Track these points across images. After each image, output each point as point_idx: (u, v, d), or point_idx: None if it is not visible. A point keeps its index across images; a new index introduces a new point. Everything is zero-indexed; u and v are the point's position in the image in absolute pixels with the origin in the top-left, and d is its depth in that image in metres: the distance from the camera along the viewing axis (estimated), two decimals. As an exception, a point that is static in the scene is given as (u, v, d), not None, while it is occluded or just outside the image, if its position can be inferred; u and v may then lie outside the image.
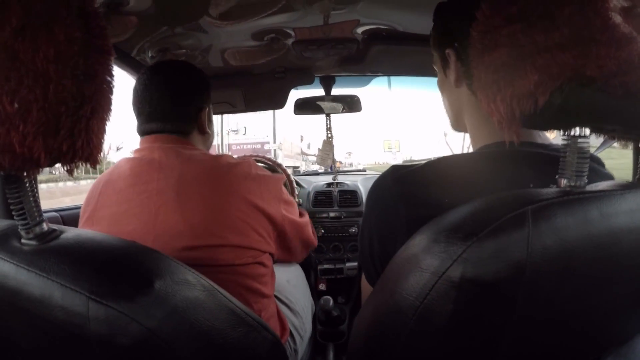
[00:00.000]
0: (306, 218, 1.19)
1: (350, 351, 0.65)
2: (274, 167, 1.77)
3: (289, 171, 1.76)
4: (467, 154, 0.70)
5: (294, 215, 1.06)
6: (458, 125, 0.79)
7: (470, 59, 0.55)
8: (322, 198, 2.15)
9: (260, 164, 1.82)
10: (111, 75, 0.53)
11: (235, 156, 1.03)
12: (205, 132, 1.05)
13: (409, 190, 0.62)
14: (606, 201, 0.47)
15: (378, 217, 0.67)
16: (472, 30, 0.53)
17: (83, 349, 0.51)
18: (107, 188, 0.93)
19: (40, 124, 0.45)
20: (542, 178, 0.53)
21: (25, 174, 0.50)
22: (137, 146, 0.99)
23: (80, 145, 0.48)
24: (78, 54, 0.48)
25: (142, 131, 0.99)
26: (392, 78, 2.13)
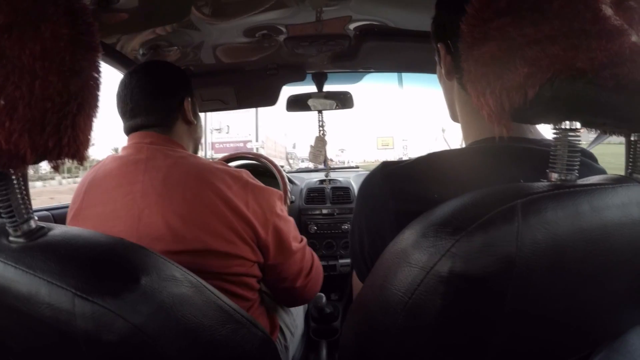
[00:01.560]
0: (302, 245, 1.07)
1: (341, 347, 0.65)
2: (267, 164, 1.78)
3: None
4: (458, 150, 0.70)
5: (287, 236, 0.99)
6: (455, 116, 0.79)
7: (460, 53, 0.55)
8: (315, 195, 2.15)
9: (251, 161, 1.82)
10: (98, 72, 0.53)
11: (221, 155, 1.00)
12: (189, 121, 1.05)
13: (398, 186, 0.62)
14: (597, 195, 0.46)
15: (368, 213, 0.67)
16: (461, 24, 0.53)
17: (70, 345, 0.51)
18: (92, 186, 0.92)
19: (26, 120, 0.45)
20: (532, 173, 0.52)
21: (12, 171, 0.50)
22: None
23: (66, 142, 0.48)
24: (64, 50, 0.48)
25: (128, 128, 0.99)
26: (390, 74, 2.14)
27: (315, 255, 1.16)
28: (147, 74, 1.01)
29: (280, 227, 0.97)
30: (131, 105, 0.98)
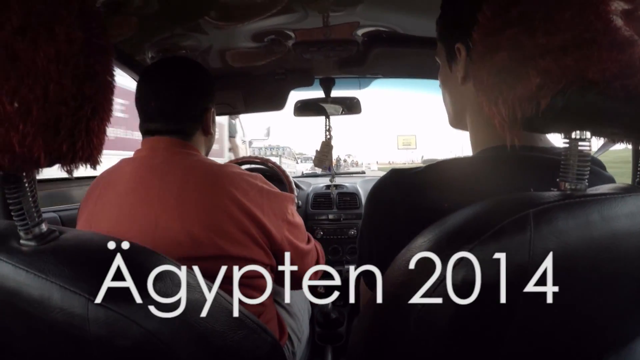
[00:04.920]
0: (311, 245, 1.10)
1: (350, 353, 0.65)
2: (274, 169, 1.78)
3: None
4: (467, 158, 0.69)
5: (298, 240, 1.01)
6: (458, 123, 0.78)
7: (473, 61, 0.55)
8: (321, 200, 2.15)
9: (258, 165, 1.82)
10: (112, 76, 0.52)
11: (244, 167, 0.98)
12: (209, 133, 1.03)
13: (408, 194, 0.62)
14: (607, 204, 0.47)
15: (378, 220, 0.67)
16: (473, 33, 0.53)
17: (82, 350, 0.51)
18: (106, 190, 0.91)
19: (40, 124, 0.45)
20: (542, 182, 0.52)
21: (24, 174, 0.50)
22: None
23: (80, 146, 0.48)
24: (78, 53, 0.47)
25: (145, 130, 0.97)
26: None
27: (319, 246, 1.19)
28: (177, 74, 0.98)
29: (292, 232, 0.98)
30: (154, 106, 0.95)
